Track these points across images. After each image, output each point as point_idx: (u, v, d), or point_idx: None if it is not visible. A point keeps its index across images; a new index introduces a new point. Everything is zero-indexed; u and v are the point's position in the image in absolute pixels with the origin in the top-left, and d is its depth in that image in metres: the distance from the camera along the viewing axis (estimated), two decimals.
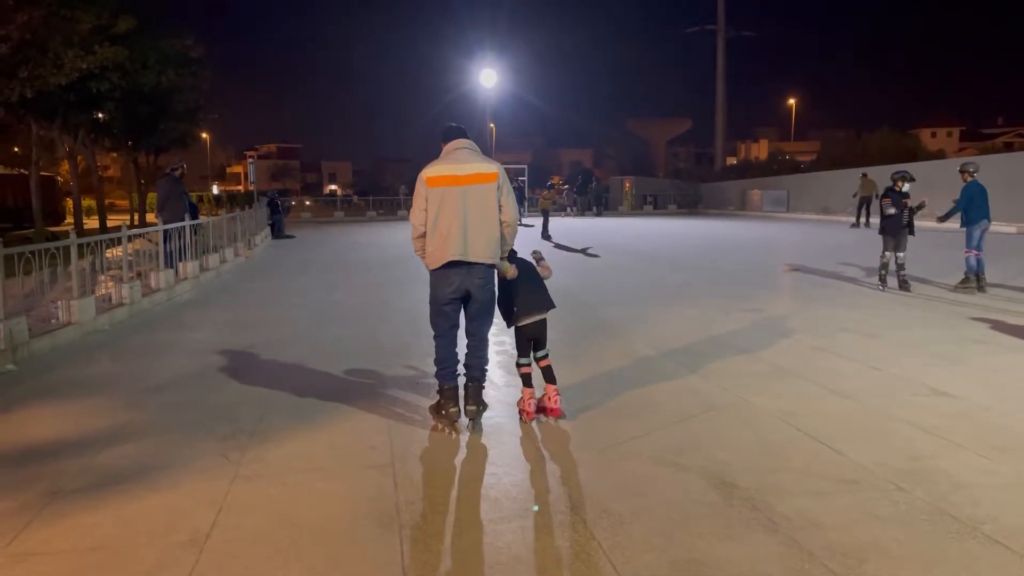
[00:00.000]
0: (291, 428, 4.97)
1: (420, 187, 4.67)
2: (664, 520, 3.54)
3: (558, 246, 18.97)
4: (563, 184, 52.05)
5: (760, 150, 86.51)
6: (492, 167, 4.71)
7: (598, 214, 38.59)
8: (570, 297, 10.47)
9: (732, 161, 67.02)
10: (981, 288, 10.21)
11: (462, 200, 4.59)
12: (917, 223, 10.55)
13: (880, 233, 10.59)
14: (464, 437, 4.78)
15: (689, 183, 49.63)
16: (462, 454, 4.54)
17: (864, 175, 26.46)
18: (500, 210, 4.70)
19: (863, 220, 25.26)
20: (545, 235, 21.70)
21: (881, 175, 26.54)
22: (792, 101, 74.04)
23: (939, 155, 44.36)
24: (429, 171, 4.68)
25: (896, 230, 10.32)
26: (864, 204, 25.21)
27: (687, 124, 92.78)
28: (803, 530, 3.41)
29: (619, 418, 5.07)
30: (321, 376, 6.33)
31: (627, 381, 6.01)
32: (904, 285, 10.33)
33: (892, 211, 10.32)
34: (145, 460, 4.44)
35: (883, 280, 10.57)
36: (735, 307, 9.40)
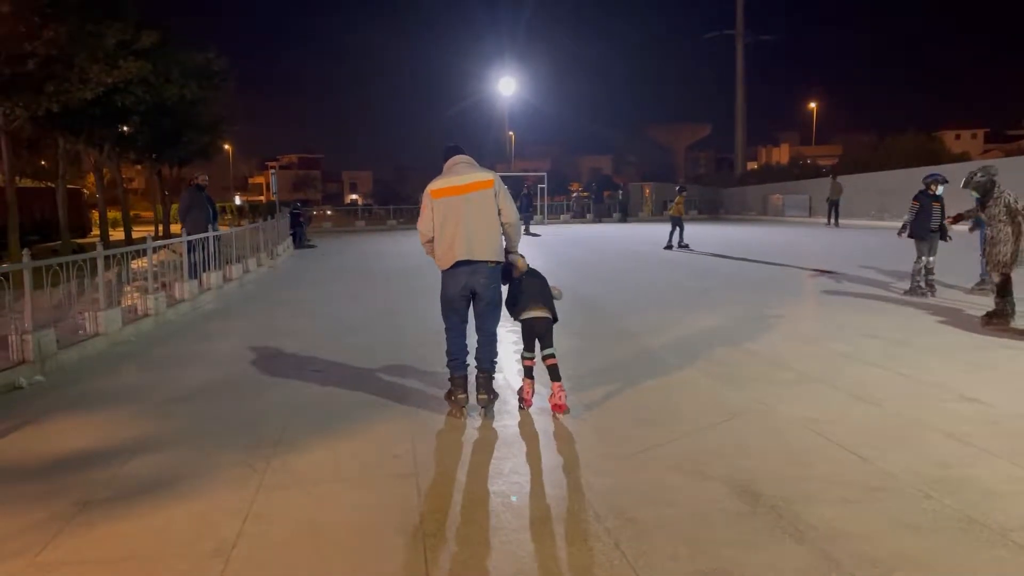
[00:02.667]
0: (315, 437, 5.00)
1: (426, 200, 5.24)
2: (689, 529, 3.52)
3: (718, 256, 17.72)
4: (582, 191, 52.13)
5: (781, 155, 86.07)
6: (488, 175, 5.22)
7: (622, 220, 38.68)
8: (593, 304, 10.45)
9: (753, 166, 66.64)
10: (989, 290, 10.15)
11: (464, 207, 5.11)
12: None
13: (910, 236, 10.47)
14: (487, 445, 4.80)
15: (710, 188, 49.37)
16: (485, 463, 4.53)
17: (833, 178, 30.10)
18: (500, 213, 5.18)
19: (832, 221, 28.68)
20: (682, 244, 19.56)
21: (905, 179, 26.29)
22: (813, 105, 73.51)
23: (963, 157, 43.79)
24: (433, 185, 5.24)
25: (924, 233, 10.21)
26: (833, 206, 28.77)
27: (707, 130, 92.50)
28: (830, 539, 3.37)
29: (642, 425, 5.05)
30: (344, 385, 6.36)
31: (650, 388, 5.99)
32: (931, 288, 10.22)
33: (915, 212, 10.27)
34: (172, 470, 4.49)
35: (920, 286, 10.39)
36: (758, 313, 9.33)
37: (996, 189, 8.09)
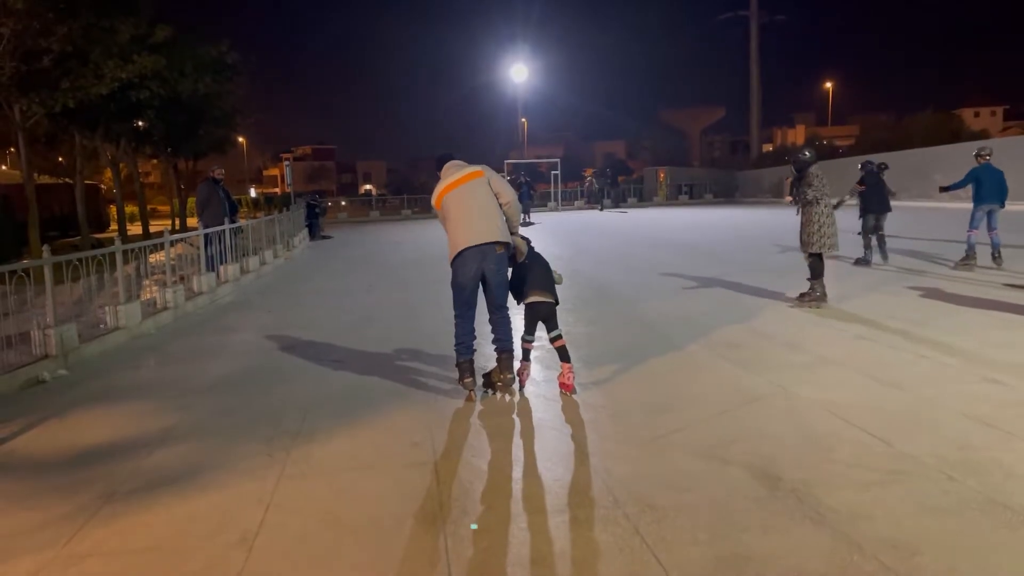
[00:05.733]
0: (334, 427, 5.04)
1: (436, 212, 5.68)
2: (708, 514, 3.52)
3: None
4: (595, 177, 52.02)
5: (797, 136, 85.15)
6: (479, 168, 5.66)
7: (606, 206, 38.24)
8: (609, 291, 10.44)
9: (768, 148, 66.04)
10: (997, 264, 10.65)
11: (461, 196, 5.49)
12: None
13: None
14: (505, 432, 4.81)
15: (725, 172, 49.06)
16: (503, 450, 4.55)
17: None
18: (498, 196, 5.52)
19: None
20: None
21: (924, 157, 25.97)
22: (829, 85, 72.75)
23: (983, 135, 43.28)
24: (435, 193, 5.63)
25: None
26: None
27: (721, 112, 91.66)
28: (851, 522, 3.35)
29: (660, 411, 5.04)
30: (362, 375, 6.39)
31: (667, 374, 5.98)
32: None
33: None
34: (194, 461, 4.54)
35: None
36: (775, 297, 9.27)
37: (809, 172, 8.41)
